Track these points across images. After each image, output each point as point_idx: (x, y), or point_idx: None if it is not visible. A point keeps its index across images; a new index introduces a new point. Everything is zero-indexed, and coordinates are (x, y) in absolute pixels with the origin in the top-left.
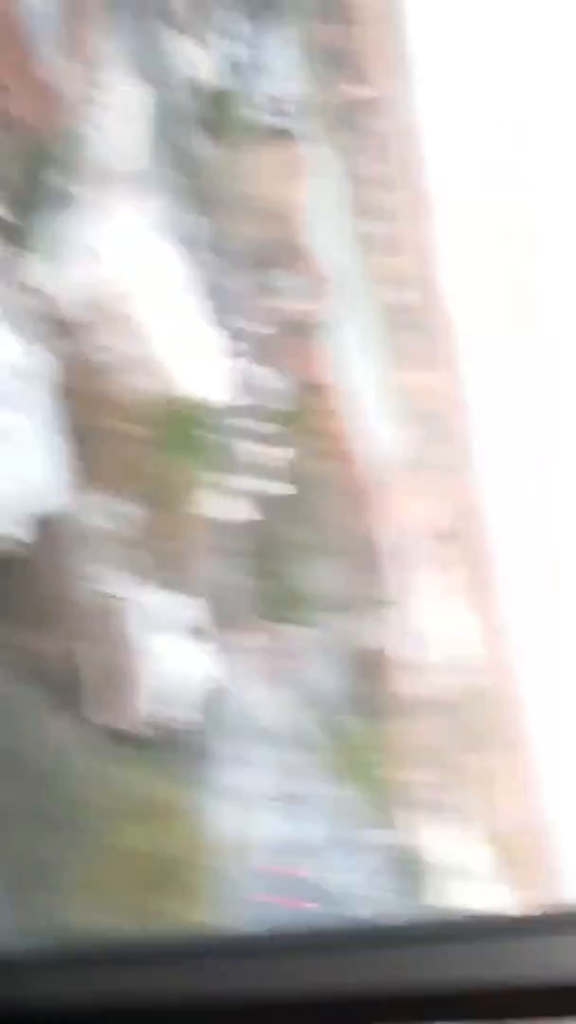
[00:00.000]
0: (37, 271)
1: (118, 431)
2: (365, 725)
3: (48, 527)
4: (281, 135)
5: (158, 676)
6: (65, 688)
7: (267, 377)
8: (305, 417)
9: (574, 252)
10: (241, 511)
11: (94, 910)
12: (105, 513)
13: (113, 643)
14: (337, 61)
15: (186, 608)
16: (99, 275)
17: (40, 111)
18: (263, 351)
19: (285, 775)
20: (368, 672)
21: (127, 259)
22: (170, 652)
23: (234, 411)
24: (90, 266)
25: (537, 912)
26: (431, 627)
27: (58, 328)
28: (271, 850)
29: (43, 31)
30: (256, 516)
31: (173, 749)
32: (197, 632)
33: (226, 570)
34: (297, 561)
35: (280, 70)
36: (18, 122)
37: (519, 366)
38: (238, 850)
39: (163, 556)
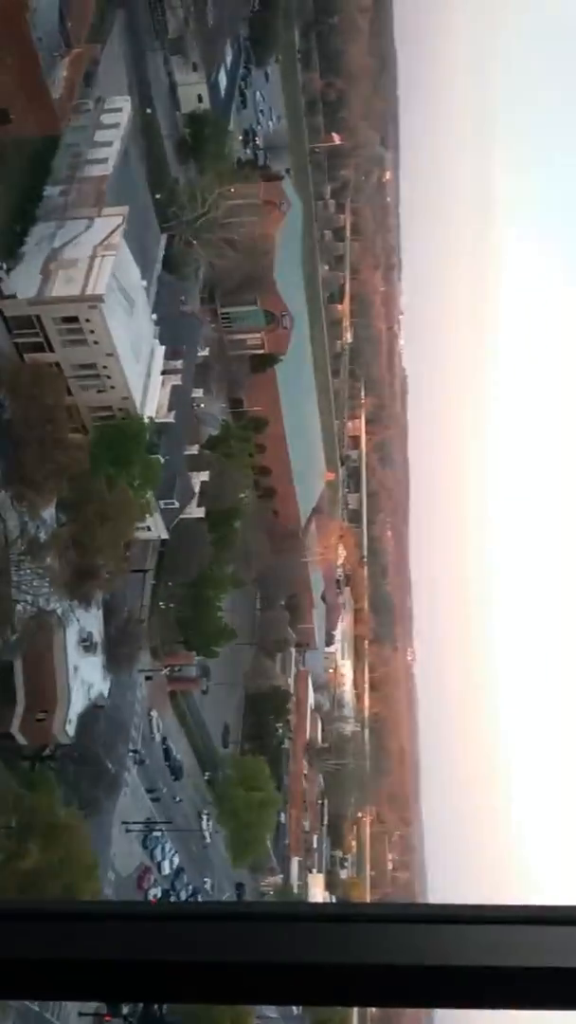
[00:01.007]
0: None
1: (55, 436)
2: (252, 763)
3: None
4: (257, 169)
5: (77, 694)
6: None
7: (204, 401)
8: (235, 445)
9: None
10: (159, 530)
11: None
12: (30, 517)
13: (47, 660)
14: (320, 108)
15: (88, 620)
16: (74, 282)
17: (42, 122)
18: (208, 376)
19: (161, 802)
20: (266, 710)
21: (98, 267)
22: (86, 669)
23: (166, 429)
24: (67, 272)
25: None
26: (332, 671)
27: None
28: (133, 873)
29: (48, 44)
30: (172, 537)
31: (72, 769)
32: (88, 644)
33: (136, 588)
34: (207, 589)
35: (265, 107)
36: (21, 132)
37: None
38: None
39: (81, 567)
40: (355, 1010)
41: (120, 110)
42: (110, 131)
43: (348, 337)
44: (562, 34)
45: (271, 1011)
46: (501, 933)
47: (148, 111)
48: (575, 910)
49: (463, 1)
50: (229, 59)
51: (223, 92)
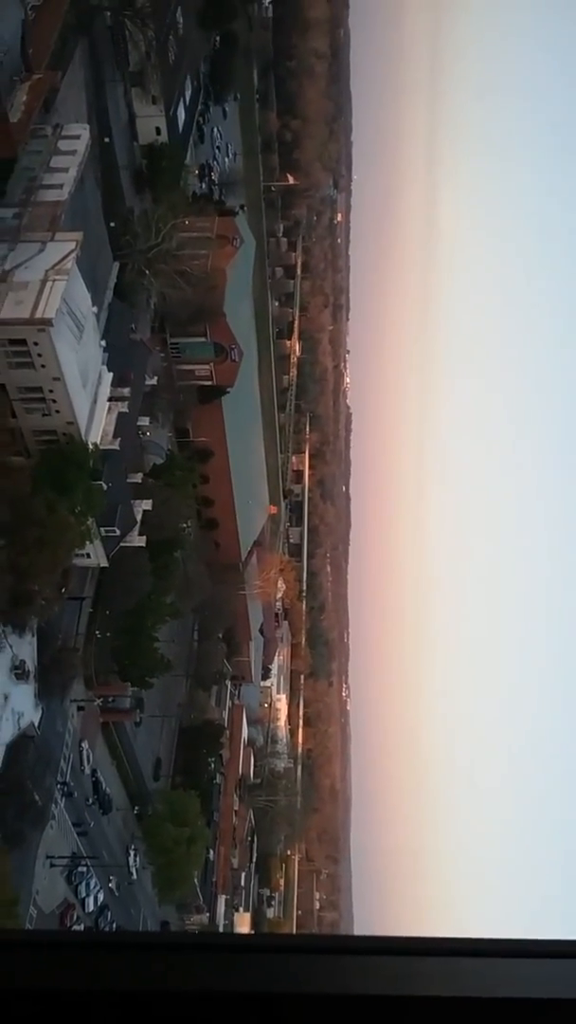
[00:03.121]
0: None
1: None
2: (183, 798)
3: None
4: (212, 203)
5: (6, 723)
6: None
7: (150, 430)
8: (179, 475)
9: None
10: (99, 557)
11: None
12: None
13: None
14: (276, 148)
15: (21, 646)
16: (23, 304)
17: None
18: (155, 405)
19: (88, 836)
20: (199, 744)
21: (48, 291)
22: (16, 697)
23: (111, 456)
24: (17, 294)
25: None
26: (267, 706)
27: None
28: (57, 906)
29: (8, 67)
30: (112, 565)
31: None
32: (20, 672)
33: (72, 615)
34: (145, 618)
35: (222, 144)
36: None
37: (400, 460)
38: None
39: (16, 592)
40: None
41: (78, 137)
42: (67, 157)
43: (295, 373)
44: (514, 91)
45: None
46: (420, 964)
47: (106, 140)
48: (494, 943)
49: (418, 52)
50: (188, 94)
51: (181, 126)
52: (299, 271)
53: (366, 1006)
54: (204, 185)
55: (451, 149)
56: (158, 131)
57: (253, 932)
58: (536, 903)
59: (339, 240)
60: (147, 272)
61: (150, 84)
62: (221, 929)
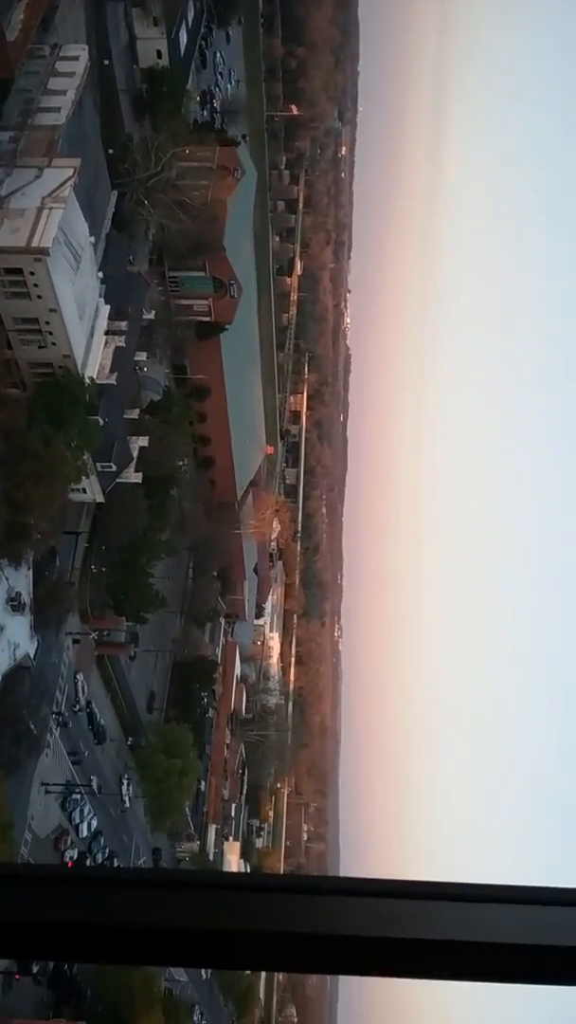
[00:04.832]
0: None
1: None
2: (176, 731)
3: None
4: (213, 132)
5: (2, 653)
6: None
7: (148, 365)
8: (176, 413)
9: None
10: (95, 492)
11: None
12: None
13: None
14: (280, 76)
15: (17, 579)
16: (19, 233)
17: None
18: (152, 340)
19: (82, 765)
20: (192, 679)
21: (45, 219)
22: (12, 629)
23: (107, 391)
24: (13, 222)
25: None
26: (259, 644)
27: None
28: (49, 834)
29: None
30: (107, 501)
31: None
32: (16, 604)
33: (68, 550)
34: (140, 555)
35: (224, 70)
36: None
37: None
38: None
39: (12, 525)
40: (262, 973)
41: (76, 59)
42: (65, 79)
43: (295, 311)
44: (528, 23)
45: (180, 974)
46: (396, 906)
47: (105, 62)
48: (471, 887)
49: None
50: (191, 17)
51: (183, 50)
52: (301, 205)
53: (344, 945)
54: (206, 112)
55: (460, 82)
56: (159, 54)
57: (242, 871)
58: (523, 847)
59: (343, 174)
60: (146, 202)
61: (152, 5)
62: (211, 857)
